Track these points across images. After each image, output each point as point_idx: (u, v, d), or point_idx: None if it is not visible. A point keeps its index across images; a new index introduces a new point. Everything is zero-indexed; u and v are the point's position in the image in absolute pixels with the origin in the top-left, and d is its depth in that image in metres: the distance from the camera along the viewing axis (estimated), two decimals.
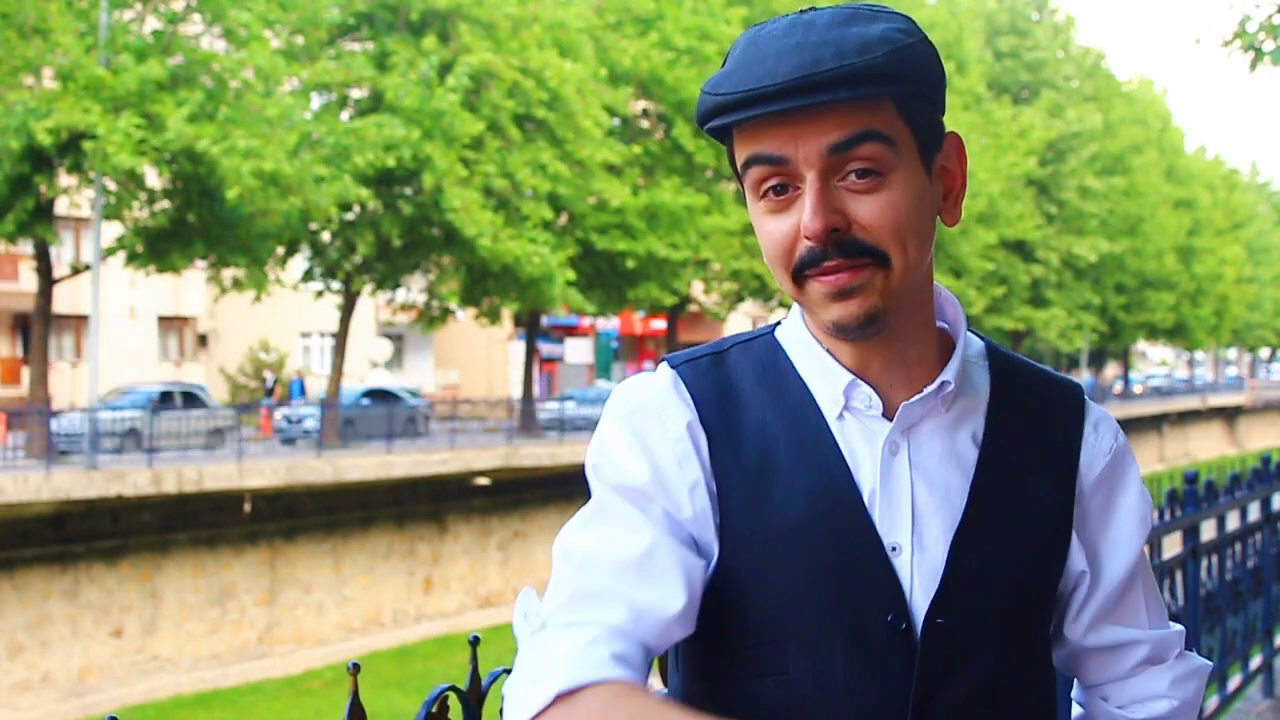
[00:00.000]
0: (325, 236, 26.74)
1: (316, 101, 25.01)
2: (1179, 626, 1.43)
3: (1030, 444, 1.32)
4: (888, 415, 1.27)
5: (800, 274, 1.21)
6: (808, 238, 1.19)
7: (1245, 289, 65.80)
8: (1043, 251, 46.23)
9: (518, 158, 25.49)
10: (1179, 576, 4.69)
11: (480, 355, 48.50)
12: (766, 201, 1.22)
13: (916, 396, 1.26)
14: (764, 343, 1.33)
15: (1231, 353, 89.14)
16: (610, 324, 47.50)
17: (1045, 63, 48.37)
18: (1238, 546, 5.51)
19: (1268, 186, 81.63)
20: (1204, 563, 5.00)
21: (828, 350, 1.28)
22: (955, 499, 1.27)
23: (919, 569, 1.25)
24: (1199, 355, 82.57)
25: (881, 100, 1.18)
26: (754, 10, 31.58)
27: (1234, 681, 5.46)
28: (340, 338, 27.43)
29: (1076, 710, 1.47)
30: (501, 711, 1.24)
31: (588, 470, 1.28)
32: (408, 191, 25.42)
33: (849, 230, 1.19)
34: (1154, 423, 57.94)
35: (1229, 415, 68.35)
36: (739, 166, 1.24)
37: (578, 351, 48.35)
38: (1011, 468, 1.30)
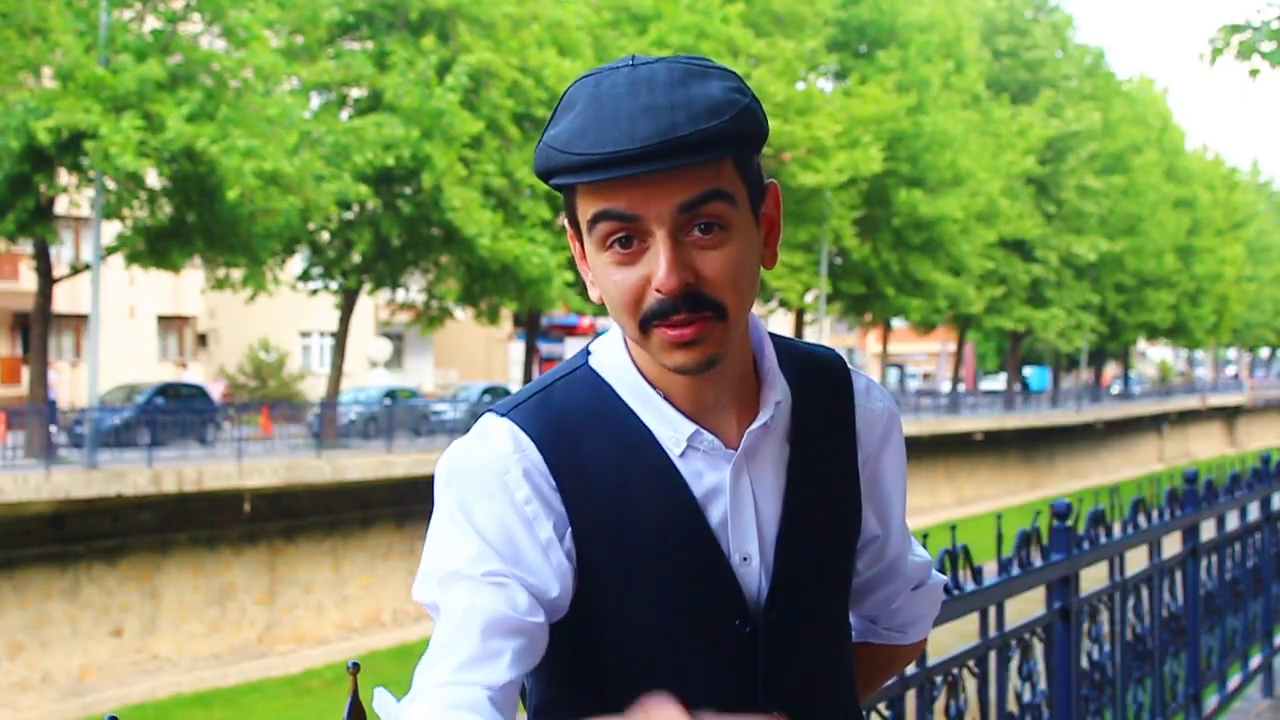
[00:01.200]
0: (324, 236, 26.74)
1: (316, 101, 25.00)
2: (928, 554, 1.62)
3: (821, 430, 1.44)
4: (726, 443, 1.36)
5: (648, 323, 1.28)
6: (660, 290, 1.25)
7: (1245, 289, 65.77)
8: (1042, 250, 46.19)
9: (517, 157, 25.49)
10: (1179, 576, 4.69)
11: (480, 355, 48.51)
12: (612, 253, 1.28)
13: (756, 424, 1.36)
14: (584, 378, 1.39)
15: (1231, 352, 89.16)
16: (610, 323, 47.50)
17: (1044, 62, 48.32)
18: (1238, 546, 5.51)
19: (1268, 186, 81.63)
20: (1204, 562, 5.00)
21: (663, 395, 1.35)
22: (781, 503, 1.39)
23: (765, 573, 1.37)
24: (1199, 355, 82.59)
25: (724, 160, 1.26)
26: (752, 9, 31.57)
27: (1234, 681, 5.46)
28: (340, 337, 27.43)
29: None
30: None
31: (434, 549, 1.33)
32: (407, 191, 25.41)
33: (697, 284, 1.26)
34: (1154, 423, 57.94)
35: (1228, 415, 68.35)
36: (584, 220, 1.29)
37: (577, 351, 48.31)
38: (812, 458, 1.42)
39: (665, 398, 1.36)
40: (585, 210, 1.28)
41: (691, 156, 1.22)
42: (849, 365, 1.50)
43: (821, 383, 1.46)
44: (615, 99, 1.23)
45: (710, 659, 1.35)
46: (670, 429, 1.35)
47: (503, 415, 1.35)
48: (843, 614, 1.48)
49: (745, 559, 1.36)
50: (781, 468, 1.39)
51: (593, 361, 1.40)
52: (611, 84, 1.25)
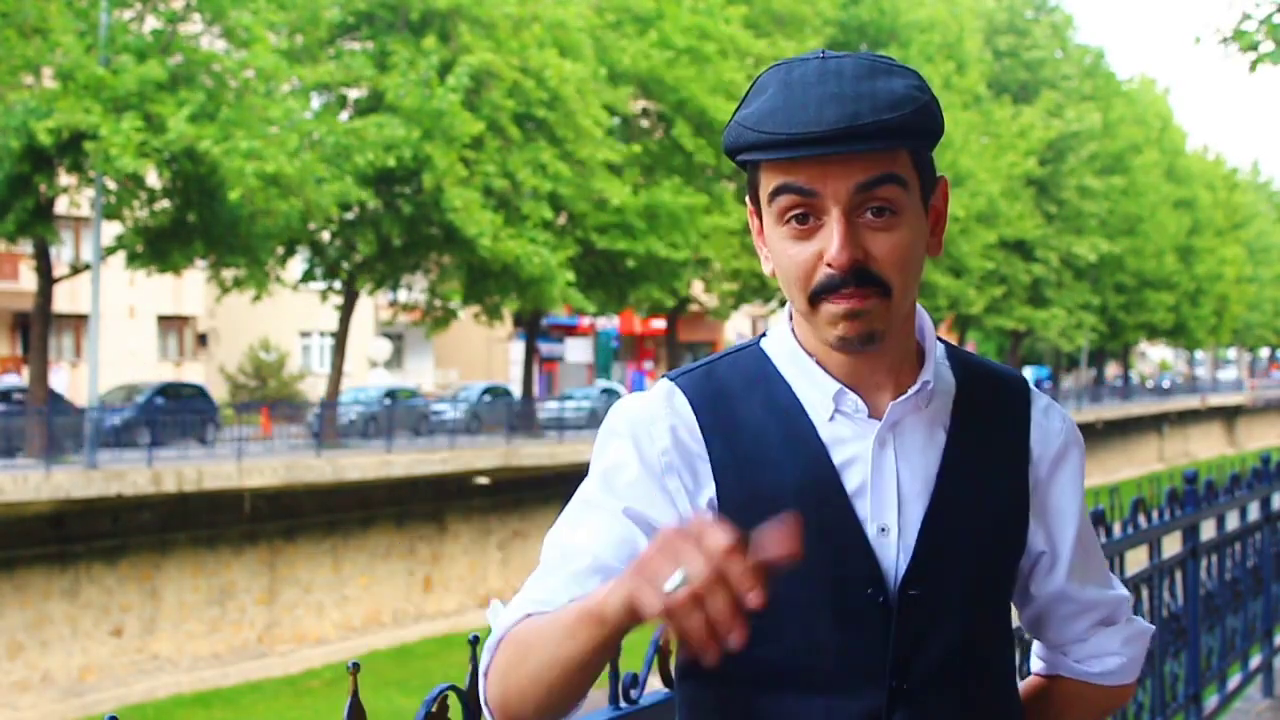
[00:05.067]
0: (325, 236, 26.75)
1: (316, 101, 24.99)
2: (1125, 591, 1.62)
3: (988, 431, 1.48)
4: (875, 415, 1.42)
5: (817, 296, 1.36)
6: (831, 265, 1.34)
7: (1245, 289, 65.75)
8: (1042, 251, 46.20)
9: (518, 157, 25.48)
10: (1179, 576, 4.69)
11: (480, 355, 48.50)
12: (789, 228, 1.36)
13: (903, 396, 1.42)
14: (751, 353, 1.48)
15: (1231, 352, 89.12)
16: (610, 323, 47.50)
17: (1044, 62, 48.32)
18: (1237, 546, 5.51)
19: (1268, 186, 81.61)
20: (1204, 562, 5.00)
21: (817, 361, 1.43)
22: (932, 483, 1.43)
23: (903, 548, 1.41)
24: (1199, 355, 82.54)
25: (901, 149, 1.35)
26: (754, 9, 31.56)
27: (1234, 681, 5.46)
28: (340, 337, 27.43)
29: (1038, 664, 1.66)
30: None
31: (596, 470, 1.43)
32: (408, 191, 25.41)
33: (866, 262, 1.34)
34: (1154, 423, 57.93)
35: (1228, 415, 68.33)
36: (765, 194, 1.38)
37: (578, 351, 48.36)
38: (973, 453, 1.46)
39: (819, 363, 1.42)
40: (767, 184, 1.37)
41: (871, 143, 1.31)
42: (1032, 386, 1.55)
43: (998, 392, 1.51)
44: (805, 85, 1.33)
45: (841, 627, 1.38)
46: (819, 392, 1.42)
47: (670, 379, 1.46)
48: (995, 616, 1.48)
49: (883, 530, 1.40)
50: (934, 451, 1.43)
51: (763, 342, 1.48)
52: (803, 72, 1.34)
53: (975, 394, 1.48)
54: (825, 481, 1.39)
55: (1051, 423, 1.53)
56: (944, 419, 1.45)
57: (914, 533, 1.40)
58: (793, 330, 1.45)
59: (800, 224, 1.35)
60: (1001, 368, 1.55)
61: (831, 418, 1.41)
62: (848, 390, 1.41)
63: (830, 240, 1.33)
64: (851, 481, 1.40)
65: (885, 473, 1.41)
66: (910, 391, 1.41)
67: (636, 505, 1.37)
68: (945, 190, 1.44)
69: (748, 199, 1.44)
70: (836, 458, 1.40)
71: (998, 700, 1.49)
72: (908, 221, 1.36)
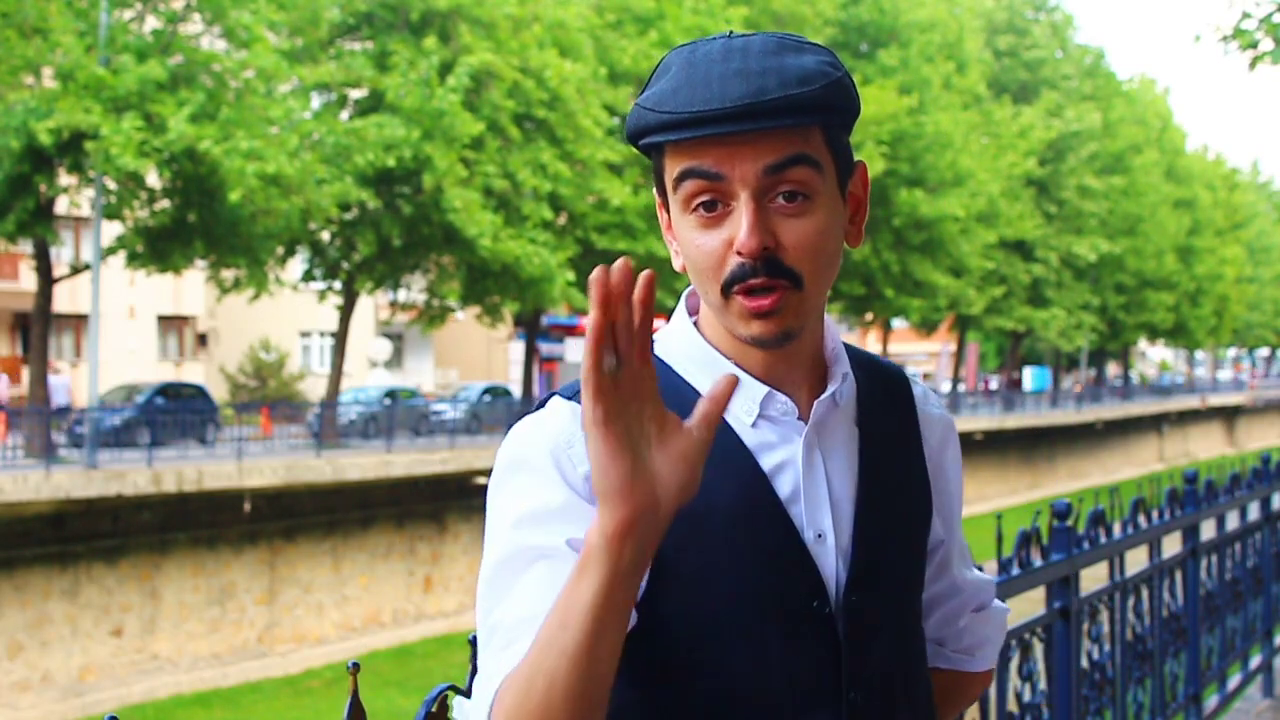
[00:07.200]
0: (325, 236, 26.75)
1: (316, 101, 25.01)
2: (985, 574, 1.60)
3: (889, 424, 1.43)
4: (800, 416, 1.35)
5: (729, 288, 1.28)
6: (740, 253, 1.26)
7: (1245, 289, 65.78)
8: (1042, 251, 46.22)
9: (518, 158, 25.49)
10: (1179, 576, 4.69)
11: (480, 355, 48.52)
12: (696, 216, 1.28)
13: (826, 393, 1.36)
14: None
15: (1231, 352, 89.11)
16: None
17: (1044, 62, 48.34)
18: (1238, 546, 5.51)
19: (1268, 186, 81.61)
20: (1204, 562, 5.00)
21: (735, 363, 1.34)
22: (856, 483, 1.37)
23: (841, 553, 1.34)
24: (1199, 355, 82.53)
25: (813, 128, 1.28)
26: (754, 10, 31.57)
27: (1234, 681, 5.46)
28: (340, 337, 27.44)
29: None
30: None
31: (508, 517, 1.26)
32: (408, 191, 25.42)
33: (777, 250, 1.26)
34: (1154, 423, 57.92)
35: (1228, 415, 68.34)
36: (670, 179, 1.30)
37: (577, 351, 48.36)
38: (884, 449, 1.41)
39: (738, 365, 1.34)
40: (672, 169, 1.29)
41: (779, 120, 1.23)
42: (908, 374, 1.51)
43: (886, 383, 1.46)
44: (709, 63, 1.26)
45: (789, 644, 1.30)
46: (741, 396, 1.33)
47: (569, 398, 1.32)
48: (919, 616, 1.44)
49: (819, 535, 1.33)
50: (853, 450, 1.38)
51: (655, 347, 1.35)
52: (707, 51, 1.28)
53: (872, 388, 1.43)
54: (758, 492, 1.30)
55: (931, 409, 1.49)
56: (853, 415, 1.39)
57: (848, 536, 1.34)
58: (700, 334, 1.37)
59: (708, 211, 1.27)
60: (882, 359, 1.50)
61: (755, 423, 1.33)
62: (776, 393, 1.33)
63: (739, 226, 1.25)
64: (784, 488, 1.32)
65: (816, 476, 1.34)
66: (832, 388, 1.36)
67: (579, 534, 1.22)
68: (864, 176, 1.37)
69: (654, 190, 1.35)
70: (765, 465, 1.32)
71: (929, 711, 1.43)
72: (822, 206, 1.28)
